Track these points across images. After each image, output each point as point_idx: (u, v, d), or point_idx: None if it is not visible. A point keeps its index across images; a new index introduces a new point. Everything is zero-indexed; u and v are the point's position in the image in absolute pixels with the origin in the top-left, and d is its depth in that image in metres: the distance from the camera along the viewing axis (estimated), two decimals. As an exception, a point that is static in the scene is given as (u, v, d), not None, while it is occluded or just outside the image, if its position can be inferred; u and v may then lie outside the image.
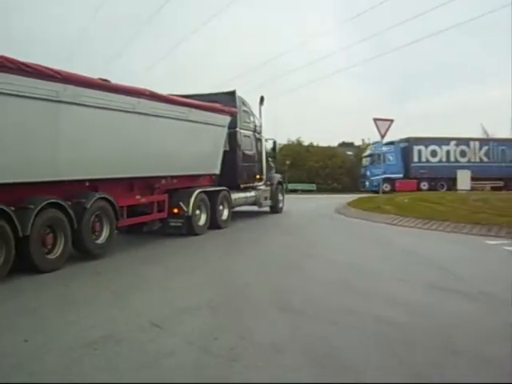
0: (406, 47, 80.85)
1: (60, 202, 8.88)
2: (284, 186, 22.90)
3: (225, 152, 15.15)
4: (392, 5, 61.55)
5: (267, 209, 19.59)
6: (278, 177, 20.46)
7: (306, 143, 48.74)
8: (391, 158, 37.30)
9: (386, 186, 36.08)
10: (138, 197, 11.72)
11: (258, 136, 17.97)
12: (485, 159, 37.38)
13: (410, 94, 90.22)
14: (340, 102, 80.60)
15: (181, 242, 12.15)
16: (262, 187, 18.49)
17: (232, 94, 16.10)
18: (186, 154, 13.02)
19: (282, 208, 20.45)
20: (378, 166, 35.95)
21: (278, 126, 49.69)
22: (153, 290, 7.19)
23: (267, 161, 19.07)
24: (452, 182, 35.66)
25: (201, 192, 13.63)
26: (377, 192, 33.99)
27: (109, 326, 5.41)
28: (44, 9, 61.26)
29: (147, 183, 12.12)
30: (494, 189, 35.03)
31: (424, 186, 36.27)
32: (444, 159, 37.00)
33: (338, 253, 10.55)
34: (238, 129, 16.14)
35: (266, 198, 18.89)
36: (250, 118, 17.32)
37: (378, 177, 35.69)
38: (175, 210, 12.97)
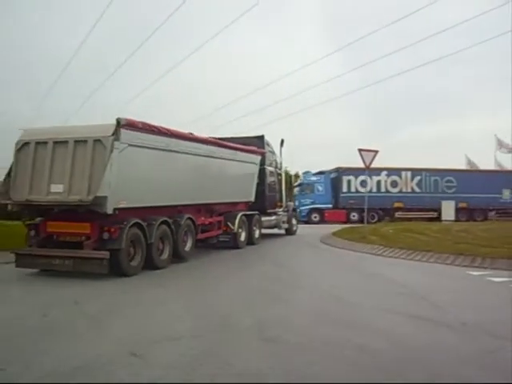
0: (392, 78, 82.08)
1: (167, 219, 12.82)
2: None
3: (256, 184, 19.19)
4: (379, 36, 63.01)
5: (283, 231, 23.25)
6: (292, 205, 24.81)
7: (292, 172, 49.00)
8: (320, 188, 36.84)
9: (315, 217, 36.28)
10: (203, 218, 15.35)
11: (278, 171, 22.11)
12: (417, 189, 37.02)
13: (397, 124, 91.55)
14: (327, 132, 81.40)
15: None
16: (281, 213, 22.46)
17: (261, 137, 20.22)
18: (233, 185, 17.18)
19: (295, 230, 24.22)
20: (307, 195, 36.19)
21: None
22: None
23: (290, 188, 23.66)
24: (383, 213, 35.71)
25: (243, 215, 17.59)
26: (307, 222, 34.50)
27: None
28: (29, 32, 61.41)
29: (209, 208, 15.96)
30: (428, 220, 34.67)
31: (354, 216, 35.54)
32: (374, 189, 36.15)
33: (322, 283, 10.66)
34: (265, 166, 20.27)
35: (284, 222, 22.73)
36: (273, 157, 21.42)
37: (306, 207, 36.12)
38: (225, 228, 16.81)
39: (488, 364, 5.16)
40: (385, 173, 36.66)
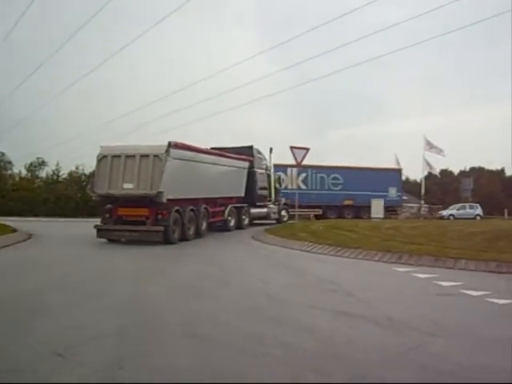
0: (327, 77, 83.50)
1: (193, 208, 19.10)
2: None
3: (247, 182, 24.76)
4: (313, 36, 63.85)
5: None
6: (283, 200, 29.81)
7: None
8: None
9: None
10: (212, 208, 21.13)
11: (268, 172, 27.61)
12: (303, 186, 36.80)
13: (331, 122, 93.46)
14: (261, 130, 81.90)
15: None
16: (272, 206, 27.95)
17: (250, 147, 25.95)
18: (228, 184, 22.77)
19: (286, 221, 28.89)
20: None
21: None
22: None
23: (275, 188, 28.53)
24: None
25: (232, 207, 23.32)
26: None
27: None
28: None
29: (215, 201, 21.60)
30: (315, 217, 35.65)
31: None
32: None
33: (251, 279, 10.68)
34: (254, 169, 25.75)
35: (274, 213, 28.16)
36: (262, 162, 27.00)
37: None
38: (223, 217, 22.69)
39: (412, 359, 5.26)
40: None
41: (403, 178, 46.60)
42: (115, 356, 5.27)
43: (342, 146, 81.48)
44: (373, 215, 33.99)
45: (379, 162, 68.95)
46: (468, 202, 44.84)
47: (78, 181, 40.88)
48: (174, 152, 17.57)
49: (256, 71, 72.77)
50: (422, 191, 48.14)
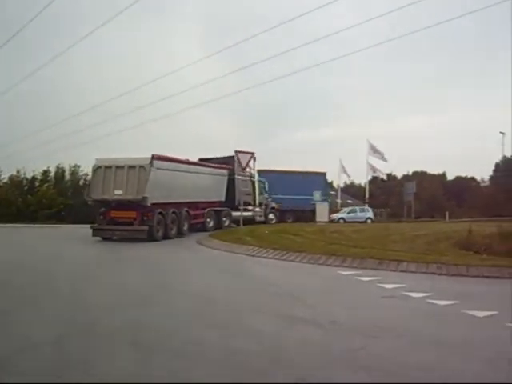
0: (272, 82, 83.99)
1: (175, 210, 22.29)
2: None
3: (229, 188, 28.01)
4: (260, 40, 64.23)
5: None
6: (271, 204, 33.67)
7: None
8: None
9: None
10: (193, 211, 24.13)
11: (252, 179, 31.14)
12: None
13: (277, 127, 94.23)
14: (210, 134, 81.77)
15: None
16: (258, 209, 31.57)
17: (232, 157, 26.75)
18: (209, 190, 25.95)
19: (273, 223, 31.99)
20: None
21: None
22: None
23: (261, 193, 32.35)
24: None
25: (210, 210, 26.24)
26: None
27: None
28: None
29: (196, 205, 24.43)
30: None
31: None
32: None
33: (196, 284, 10.67)
34: (235, 176, 28.80)
35: (260, 216, 31.80)
36: (246, 170, 29.20)
37: None
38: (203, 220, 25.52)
39: (354, 361, 5.35)
40: None
41: (345, 181, 47.14)
42: (54, 365, 5.15)
43: (289, 150, 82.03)
44: (318, 219, 34.37)
45: (324, 166, 69.94)
46: (361, 206, 45.76)
47: (19, 185, 39.80)
48: (156, 163, 20.98)
49: (203, 74, 72.43)
50: (367, 195, 49.00)
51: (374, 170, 48.76)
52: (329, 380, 4.85)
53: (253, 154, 21.30)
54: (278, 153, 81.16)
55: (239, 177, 29.19)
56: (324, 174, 41.77)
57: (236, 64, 72.71)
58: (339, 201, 51.35)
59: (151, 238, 20.49)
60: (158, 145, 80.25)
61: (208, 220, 25.97)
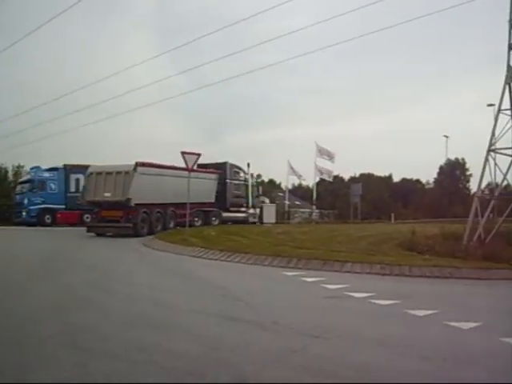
0: (223, 83, 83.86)
1: (160, 210, 25.52)
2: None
3: (220, 191, 30.81)
4: (211, 41, 64.01)
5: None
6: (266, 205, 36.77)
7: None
8: (53, 185, 34.16)
9: (48, 218, 33.68)
10: (180, 211, 25.92)
11: (246, 183, 33.40)
12: None
13: (227, 128, 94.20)
14: (154, 136, 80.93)
15: None
16: (251, 210, 33.65)
17: (224, 163, 31.94)
18: (199, 192, 26.77)
19: (269, 223, 33.56)
20: (38, 194, 33.65)
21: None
22: None
23: (257, 195, 35.09)
24: None
25: (197, 210, 28.35)
26: (34, 225, 31.98)
27: None
28: None
29: (183, 206, 24.15)
30: None
31: (88, 218, 31.18)
32: None
33: (139, 286, 10.51)
34: (227, 180, 31.70)
35: (254, 217, 33.87)
36: (239, 174, 32.99)
37: (37, 206, 33.49)
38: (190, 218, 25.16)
39: (294, 361, 5.36)
40: None
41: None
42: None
43: (239, 151, 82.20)
44: (265, 220, 34.46)
45: (274, 168, 70.37)
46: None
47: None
48: (140, 169, 24.25)
49: (153, 75, 71.83)
50: (314, 197, 49.36)
51: (321, 172, 49.12)
52: (268, 380, 4.85)
53: (199, 154, 21.20)
54: (229, 154, 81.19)
55: (231, 181, 32.11)
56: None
57: (185, 64, 72.21)
58: (287, 202, 51.55)
59: (136, 233, 23.25)
60: (107, 145, 78.80)
61: (196, 219, 28.45)
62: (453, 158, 68.46)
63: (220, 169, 31.32)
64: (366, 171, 75.29)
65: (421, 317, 7.46)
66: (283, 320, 7.18)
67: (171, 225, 26.32)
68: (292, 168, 47.75)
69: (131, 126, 77.68)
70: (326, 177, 49.53)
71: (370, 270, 12.14)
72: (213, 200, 30.12)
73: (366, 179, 68.10)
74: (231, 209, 31.96)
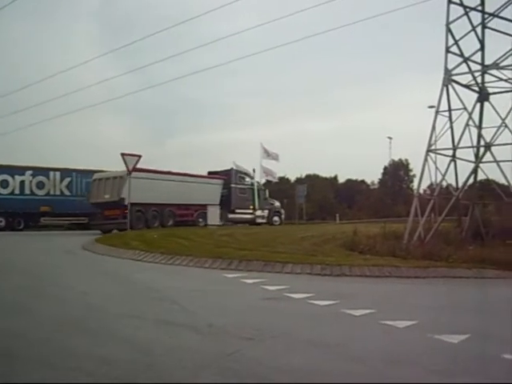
0: (169, 83, 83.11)
1: (156, 209, 30.43)
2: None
3: (225, 194, 34.89)
4: (157, 41, 63.39)
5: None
6: (277, 206, 39.74)
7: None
8: None
9: None
10: (181, 211, 31.79)
11: (251, 187, 36.88)
12: (66, 192, 34.85)
13: (173, 129, 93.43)
14: (100, 137, 79.50)
15: None
16: (259, 212, 36.99)
17: (230, 169, 35.86)
18: (202, 195, 32.54)
19: (279, 224, 38.12)
20: None
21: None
22: None
23: (264, 198, 38.24)
24: (28, 218, 33.45)
25: (201, 211, 32.75)
26: None
27: None
28: None
29: (185, 206, 31.90)
30: (78, 226, 34.43)
31: (1, 222, 31.53)
32: (17, 191, 32.64)
33: (74, 291, 10.16)
34: (232, 184, 35.47)
35: (262, 218, 37.15)
36: (245, 178, 36.78)
37: None
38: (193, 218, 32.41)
39: (227, 365, 5.26)
40: (30, 172, 33.82)
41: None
42: None
43: (184, 153, 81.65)
44: (209, 222, 34.37)
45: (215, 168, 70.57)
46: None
47: None
48: (133, 174, 25.41)
49: (97, 74, 70.43)
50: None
51: (266, 173, 49.26)
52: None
53: (139, 156, 20.98)
54: (174, 156, 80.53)
55: (236, 185, 35.90)
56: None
57: (130, 64, 71.26)
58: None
59: (131, 228, 25.52)
60: (50, 146, 76.77)
61: (200, 220, 32.89)
62: (397, 158, 70.00)
63: (226, 175, 35.26)
64: (311, 172, 76.07)
65: (357, 316, 7.49)
66: (219, 322, 7.09)
67: (170, 223, 30.89)
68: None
69: (73, 126, 75.83)
70: (270, 178, 49.64)
71: (311, 270, 12.19)
72: (217, 202, 33.87)
73: (312, 180, 68.80)
74: (237, 210, 35.78)
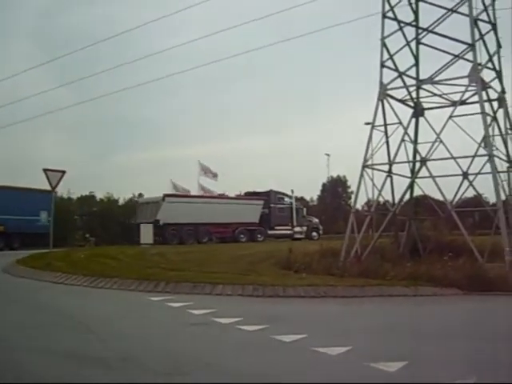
0: (109, 100, 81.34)
1: (190, 227, 36.53)
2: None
3: (265, 213, 40.02)
4: (94, 52, 61.94)
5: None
6: (315, 223, 44.34)
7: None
8: None
9: None
10: (219, 228, 37.58)
11: (290, 205, 41.74)
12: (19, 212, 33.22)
13: (113, 146, 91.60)
14: (36, 152, 76.74)
15: None
16: (297, 228, 41.26)
17: (269, 191, 41.45)
18: (242, 214, 38.24)
19: (316, 240, 38.43)
20: None
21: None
22: None
23: (303, 216, 42.88)
24: None
25: (241, 228, 38.43)
26: None
27: None
28: None
29: (222, 224, 37.49)
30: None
31: None
32: None
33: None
34: (271, 204, 40.52)
35: (301, 233, 41.19)
36: (284, 199, 41.86)
37: None
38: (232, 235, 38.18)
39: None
40: None
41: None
42: None
43: (125, 170, 79.78)
44: (142, 241, 33.53)
45: (157, 187, 69.30)
46: None
47: None
48: (168, 199, 35.35)
49: (35, 88, 67.94)
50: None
51: (204, 190, 48.71)
52: None
53: (63, 172, 19.85)
54: (114, 173, 78.81)
55: (275, 205, 40.96)
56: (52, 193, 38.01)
57: (68, 79, 69.11)
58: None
59: (165, 243, 32.64)
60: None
61: (242, 236, 37.89)
62: (335, 175, 70.60)
63: (266, 195, 40.76)
64: (251, 189, 75.85)
65: (288, 343, 6.98)
66: (135, 355, 6.46)
67: (205, 240, 35.95)
68: (176, 187, 47.13)
69: (8, 141, 72.87)
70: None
71: (242, 291, 11.66)
72: (257, 220, 39.06)
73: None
74: (276, 227, 40.52)
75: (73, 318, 9.27)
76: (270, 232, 40.12)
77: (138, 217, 37.38)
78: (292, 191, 43.48)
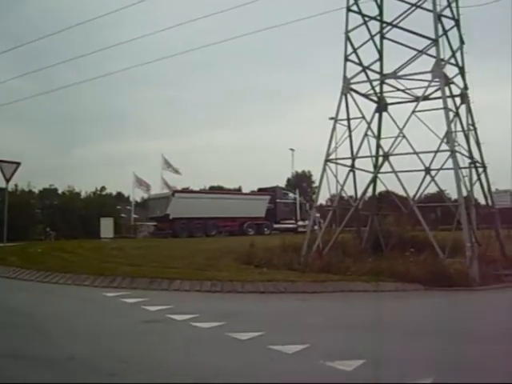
0: (72, 91, 79.87)
1: (199, 222, 37.63)
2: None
3: (270, 208, 41.51)
4: (58, 45, 60.60)
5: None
6: (317, 218, 35.79)
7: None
8: None
9: None
10: (226, 222, 38.83)
11: (294, 201, 44.09)
12: None
13: (77, 139, 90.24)
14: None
15: None
16: (301, 222, 41.07)
17: (276, 187, 44.76)
18: (250, 209, 39.88)
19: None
20: None
21: None
22: None
23: (306, 210, 42.14)
24: None
25: (249, 223, 39.78)
26: None
27: None
28: None
29: (230, 219, 38.90)
30: None
31: None
32: None
33: None
34: (277, 200, 42.35)
35: (304, 227, 35.65)
36: (288, 195, 44.76)
37: None
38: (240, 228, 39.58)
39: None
40: None
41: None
42: None
43: (89, 164, 78.70)
44: (102, 235, 32.95)
45: (122, 180, 68.42)
46: None
47: None
48: (177, 194, 37.44)
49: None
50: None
51: (166, 184, 48.22)
52: None
53: (18, 163, 19.25)
54: (78, 166, 77.50)
55: (280, 200, 42.95)
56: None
57: (28, 69, 67.62)
58: (134, 216, 49.94)
59: (175, 236, 33.91)
60: None
61: (249, 230, 39.22)
62: (300, 170, 70.66)
63: (273, 191, 43.21)
64: (216, 184, 75.52)
65: (243, 341, 6.74)
66: (82, 353, 6.16)
67: (213, 233, 37.34)
68: (138, 180, 46.61)
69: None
70: (142, 188, 48.77)
71: (200, 287, 11.41)
72: (263, 215, 40.84)
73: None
74: (281, 221, 42.31)
75: (21, 315, 8.96)
76: (276, 226, 41.79)
77: (149, 211, 40.27)
78: (295, 188, 48.07)
